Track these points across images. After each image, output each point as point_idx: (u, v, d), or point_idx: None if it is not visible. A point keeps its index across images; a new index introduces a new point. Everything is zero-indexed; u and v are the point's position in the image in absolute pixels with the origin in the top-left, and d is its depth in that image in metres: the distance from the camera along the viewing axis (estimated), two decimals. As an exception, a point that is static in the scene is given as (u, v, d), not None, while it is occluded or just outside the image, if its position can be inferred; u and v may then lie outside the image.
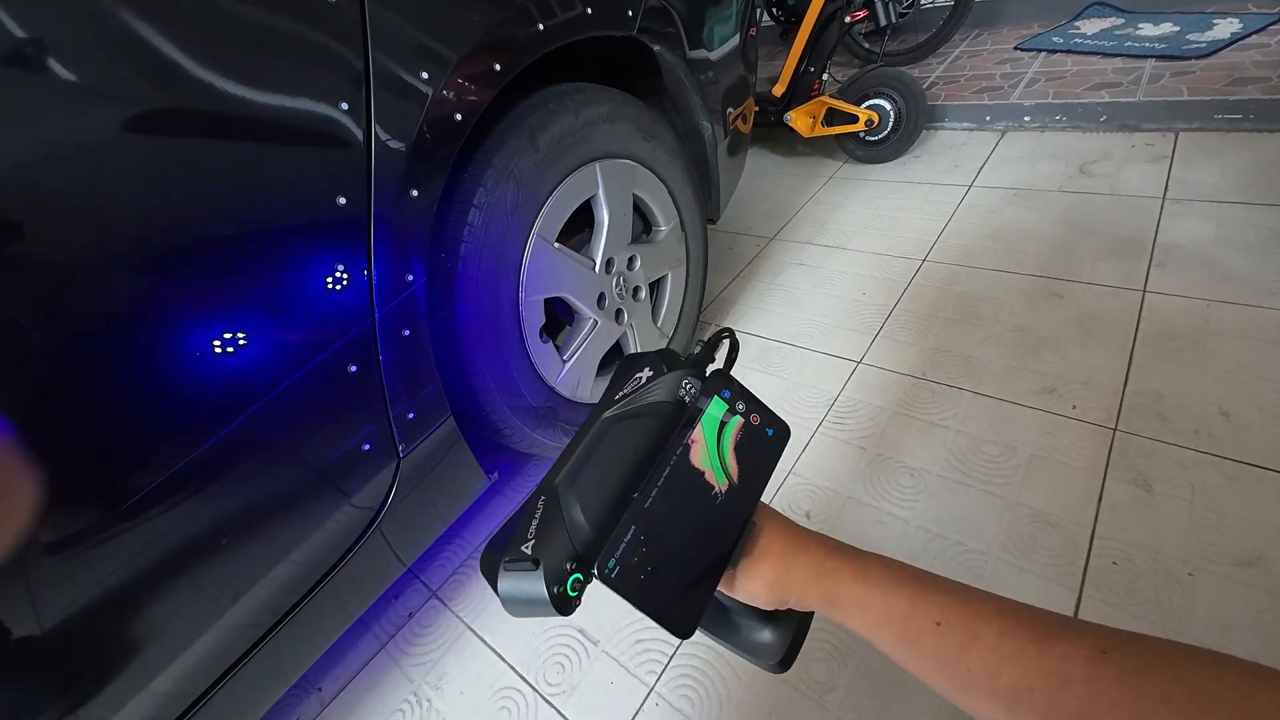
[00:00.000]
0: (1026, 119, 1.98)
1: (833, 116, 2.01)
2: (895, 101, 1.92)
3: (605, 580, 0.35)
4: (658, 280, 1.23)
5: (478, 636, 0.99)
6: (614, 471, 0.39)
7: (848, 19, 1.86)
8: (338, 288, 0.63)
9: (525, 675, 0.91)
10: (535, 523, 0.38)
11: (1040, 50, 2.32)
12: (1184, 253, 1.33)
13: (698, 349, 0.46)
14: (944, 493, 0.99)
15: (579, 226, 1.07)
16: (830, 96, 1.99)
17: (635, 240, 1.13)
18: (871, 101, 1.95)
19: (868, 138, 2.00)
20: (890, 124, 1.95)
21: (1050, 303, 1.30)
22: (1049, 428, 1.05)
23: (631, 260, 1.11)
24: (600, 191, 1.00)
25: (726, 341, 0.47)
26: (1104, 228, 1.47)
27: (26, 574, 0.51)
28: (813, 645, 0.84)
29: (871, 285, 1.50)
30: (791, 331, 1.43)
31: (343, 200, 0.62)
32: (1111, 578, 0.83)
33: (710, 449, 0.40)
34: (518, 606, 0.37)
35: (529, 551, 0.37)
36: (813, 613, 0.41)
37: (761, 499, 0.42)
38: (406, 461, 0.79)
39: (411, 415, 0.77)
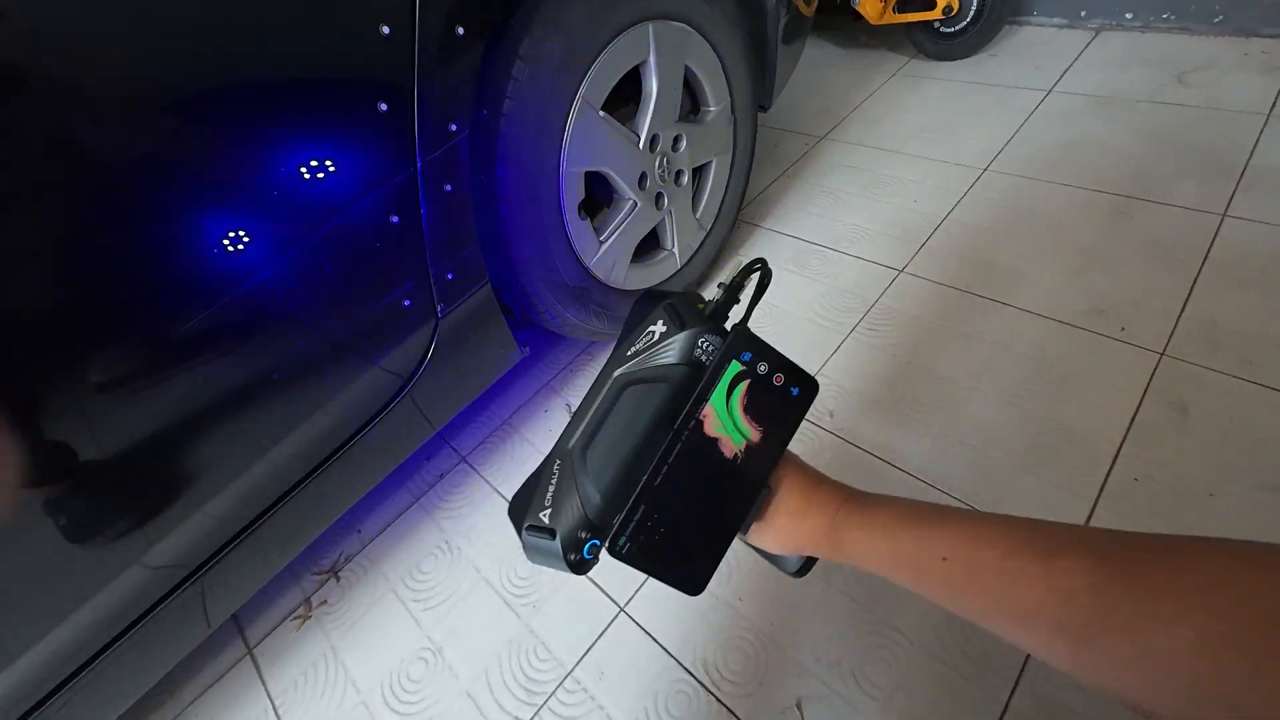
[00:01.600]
0: (1128, 16, 1.76)
1: (906, 2, 1.80)
2: (980, -14, 1.71)
3: (617, 556, 0.37)
4: (700, 168, 1.17)
5: (502, 498, 1.05)
6: (625, 442, 0.40)
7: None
8: (381, 127, 0.61)
9: (548, 534, 0.98)
10: (551, 489, 0.40)
11: (1159, -66, 2.01)
12: (1279, 176, 1.22)
13: (719, 290, 0.43)
14: (972, 402, 0.99)
15: (624, 101, 1.00)
16: (907, -24, 1.78)
17: (682, 119, 1.07)
18: (953, -15, 1.74)
19: (943, 29, 1.80)
20: (971, 13, 1.75)
21: (1117, 222, 1.22)
22: (1092, 348, 1.02)
23: (677, 140, 1.05)
24: (651, 57, 0.93)
25: (756, 276, 0.44)
26: (1193, 144, 1.34)
27: (82, 412, 0.54)
28: (823, 529, 0.89)
29: (924, 193, 1.42)
30: (833, 236, 1.37)
31: (386, 29, 0.58)
32: (1130, 492, 0.84)
33: (723, 416, 0.39)
34: (539, 561, 0.40)
35: (546, 520, 0.39)
36: None
37: (785, 452, 0.42)
38: (444, 323, 0.80)
39: (451, 276, 0.77)
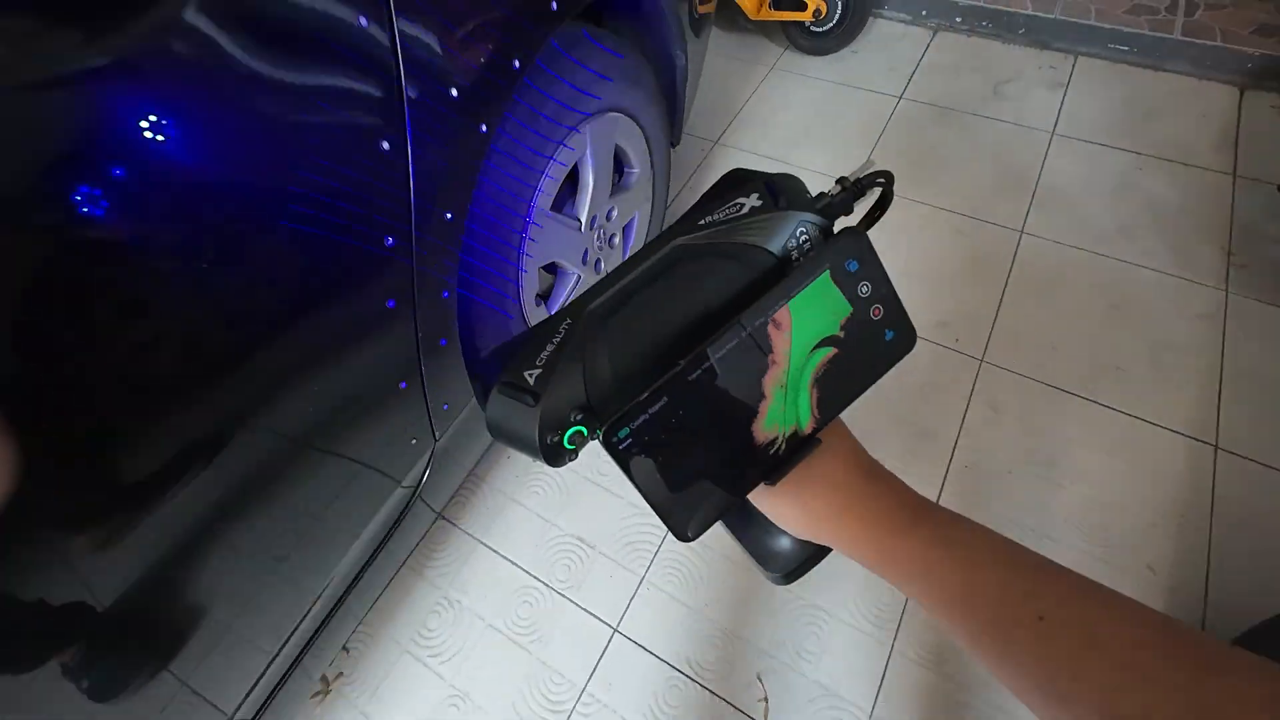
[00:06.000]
0: (958, 19, 2.02)
1: (777, 4, 1.90)
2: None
3: (610, 450, 0.28)
4: (627, 223, 1.26)
5: (488, 548, 1.18)
6: (665, 319, 0.31)
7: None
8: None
9: (538, 575, 1.14)
10: (549, 349, 0.31)
11: (981, -72, 2.26)
12: (1057, 195, 1.58)
13: (834, 189, 0.35)
14: (854, 418, 1.27)
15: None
16: (782, -24, 1.86)
17: (612, 192, 1.14)
18: (819, -10, 1.86)
19: (813, 28, 1.94)
20: (836, 16, 1.90)
21: (954, 238, 1.53)
22: (938, 358, 1.34)
23: (610, 212, 1.13)
24: (588, 152, 0.99)
25: (879, 190, 0.35)
26: (1007, 161, 1.67)
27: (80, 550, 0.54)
28: (762, 538, 1.14)
29: (809, 208, 1.63)
30: (738, 256, 1.55)
31: (390, 240, 0.62)
32: (962, 477, 1.18)
33: (800, 328, 0.30)
34: (502, 436, 0.31)
35: (530, 381, 0.29)
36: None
37: (840, 417, 0.34)
38: (440, 444, 0.88)
39: (445, 406, 0.84)
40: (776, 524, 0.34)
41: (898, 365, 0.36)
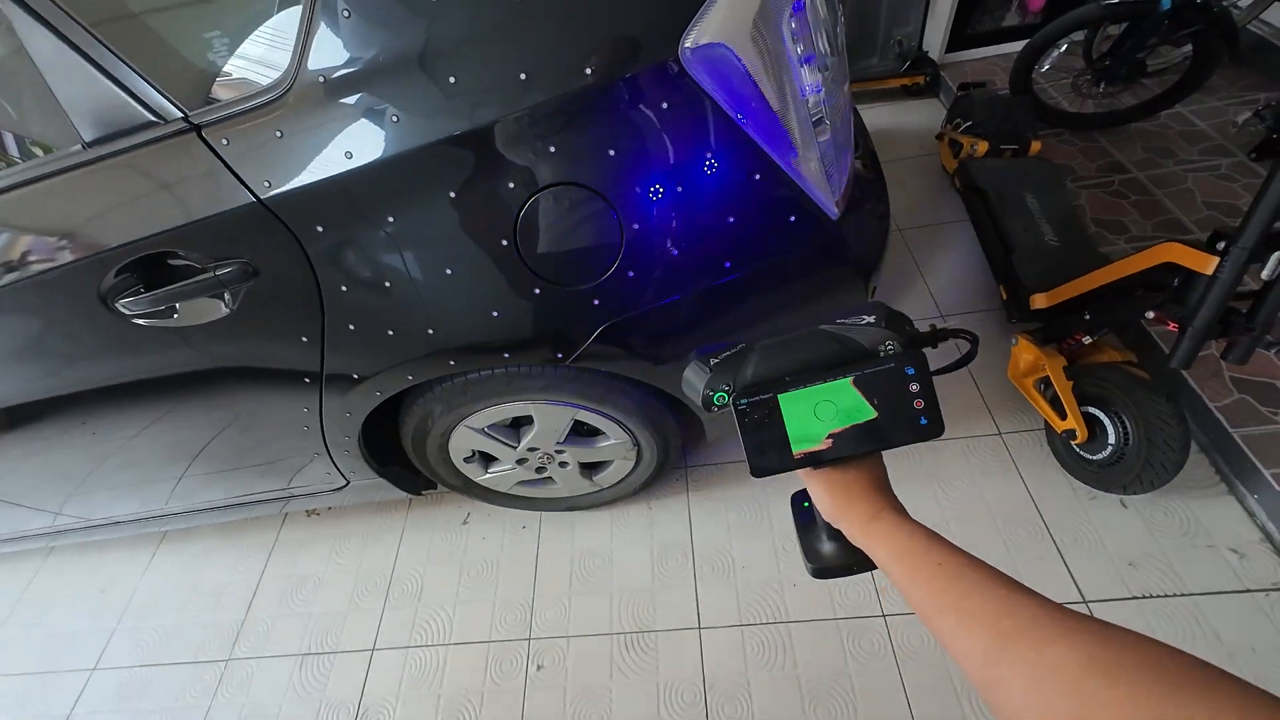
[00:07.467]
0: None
1: (1047, 388, 1.49)
2: (1122, 428, 1.34)
3: (734, 407, 0.49)
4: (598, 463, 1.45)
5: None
6: (790, 361, 0.52)
7: (1151, 314, 1.25)
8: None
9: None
10: (728, 354, 0.54)
11: None
12: None
13: (928, 329, 0.55)
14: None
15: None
16: (1065, 367, 1.45)
17: (573, 440, 1.34)
18: (1092, 409, 1.39)
19: (1076, 446, 1.46)
20: (1105, 453, 1.39)
21: None
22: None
23: (560, 451, 1.38)
24: (536, 420, 1.27)
25: (965, 344, 0.57)
26: None
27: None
28: None
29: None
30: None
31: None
32: None
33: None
34: (685, 387, 0.54)
35: (712, 364, 0.53)
36: (872, 566, 0.50)
37: (882, 454, 0.52)
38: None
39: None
40: (815, 503, 0.53)
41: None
